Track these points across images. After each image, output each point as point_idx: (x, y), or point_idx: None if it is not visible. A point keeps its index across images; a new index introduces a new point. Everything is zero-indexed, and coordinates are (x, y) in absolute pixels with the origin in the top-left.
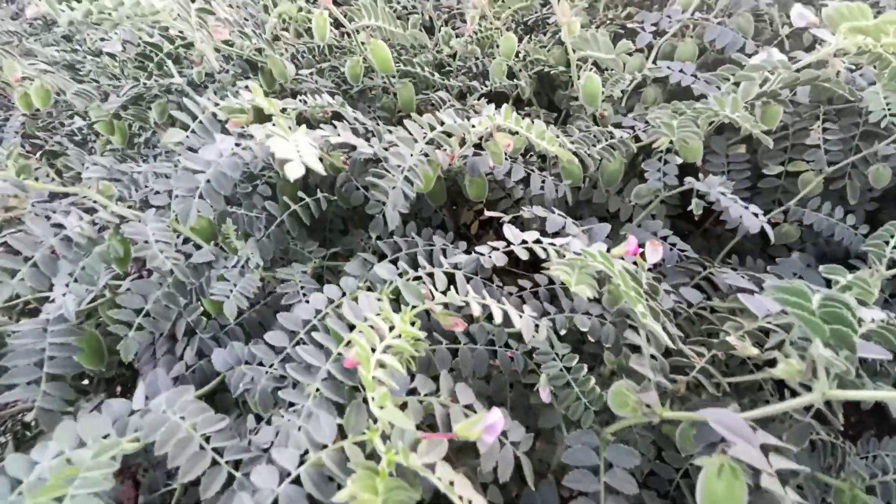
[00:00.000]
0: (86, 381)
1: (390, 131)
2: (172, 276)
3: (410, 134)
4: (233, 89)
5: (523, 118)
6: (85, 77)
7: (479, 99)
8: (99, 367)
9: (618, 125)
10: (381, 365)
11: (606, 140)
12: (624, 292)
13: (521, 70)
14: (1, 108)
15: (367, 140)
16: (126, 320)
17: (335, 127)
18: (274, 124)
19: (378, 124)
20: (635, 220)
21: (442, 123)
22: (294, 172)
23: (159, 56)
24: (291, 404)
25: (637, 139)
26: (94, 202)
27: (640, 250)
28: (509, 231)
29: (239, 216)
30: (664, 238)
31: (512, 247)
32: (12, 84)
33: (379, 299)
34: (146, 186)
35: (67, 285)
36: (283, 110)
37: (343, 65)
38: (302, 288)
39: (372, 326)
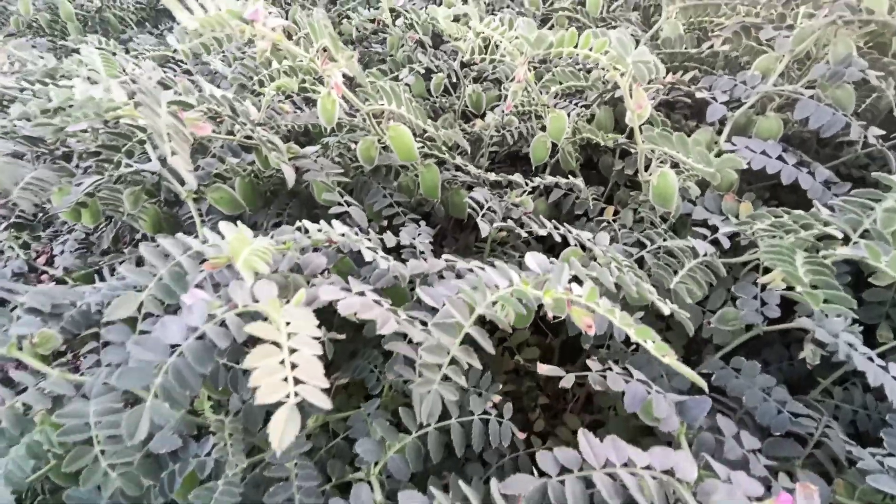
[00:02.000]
0: None
1: (415, 249)
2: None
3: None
4: (223, 167)
5: (569, 197)
6: (53, 144)
7: (522, 195)
8: None
9: (687, 219)
10: None
11: (688, 258)
12: None
13: (564, 145)
14: None
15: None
16: None
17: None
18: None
19: (398, 211)
20: (717, 343)
21: (494, 285)
22: (285, 435)
23: (128, 145)
24: None
25: (717, 244)
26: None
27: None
28: (586, 445)
29: (218, 368)
30: (767, 391)
31: (592, 473)
32: None
33: None
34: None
35: None
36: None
37: (354, 140)
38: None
39: None
